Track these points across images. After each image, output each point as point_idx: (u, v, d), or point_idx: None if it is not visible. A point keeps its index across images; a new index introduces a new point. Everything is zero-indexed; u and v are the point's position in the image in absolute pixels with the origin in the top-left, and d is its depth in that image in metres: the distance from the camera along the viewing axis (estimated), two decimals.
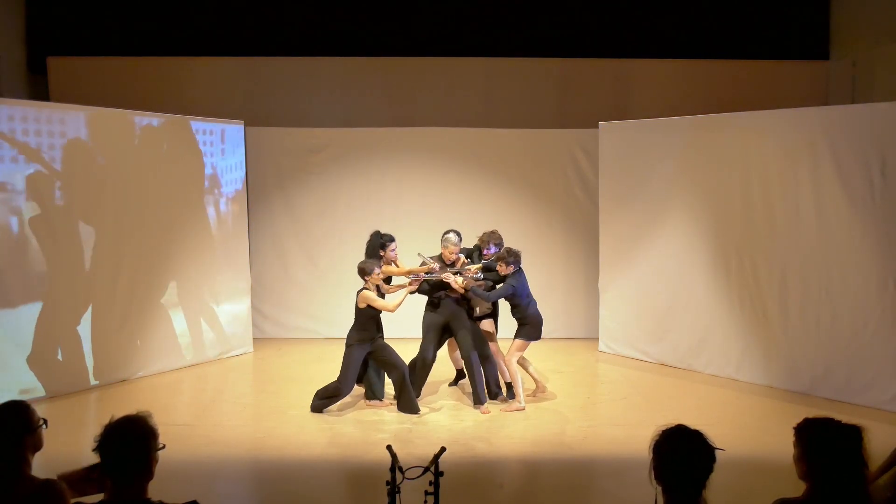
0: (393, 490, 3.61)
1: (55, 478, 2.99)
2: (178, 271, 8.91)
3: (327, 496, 5.57)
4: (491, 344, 7.54)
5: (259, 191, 10.40)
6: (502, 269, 7.16)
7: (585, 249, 10.33)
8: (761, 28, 10.52)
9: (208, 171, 9.23)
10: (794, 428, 2.93)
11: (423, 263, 7.38)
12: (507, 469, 6.04)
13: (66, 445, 4.79)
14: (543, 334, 7.46)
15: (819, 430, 2.86)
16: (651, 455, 2.71)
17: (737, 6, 10.52)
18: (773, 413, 7.20)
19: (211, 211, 9.28)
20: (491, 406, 7.36)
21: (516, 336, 7.28)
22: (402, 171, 10.51)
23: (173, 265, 8.85)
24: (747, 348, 8.28)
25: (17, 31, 10.27)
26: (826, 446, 2.81)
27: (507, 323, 7.87)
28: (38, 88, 10.23)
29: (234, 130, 9.59)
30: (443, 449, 3.84)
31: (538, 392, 7.69)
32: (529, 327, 7.23)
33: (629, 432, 6.66)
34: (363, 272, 7.09)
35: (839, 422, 2.88)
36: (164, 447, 2.82)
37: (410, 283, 7.31)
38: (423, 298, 7.54)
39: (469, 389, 7.59)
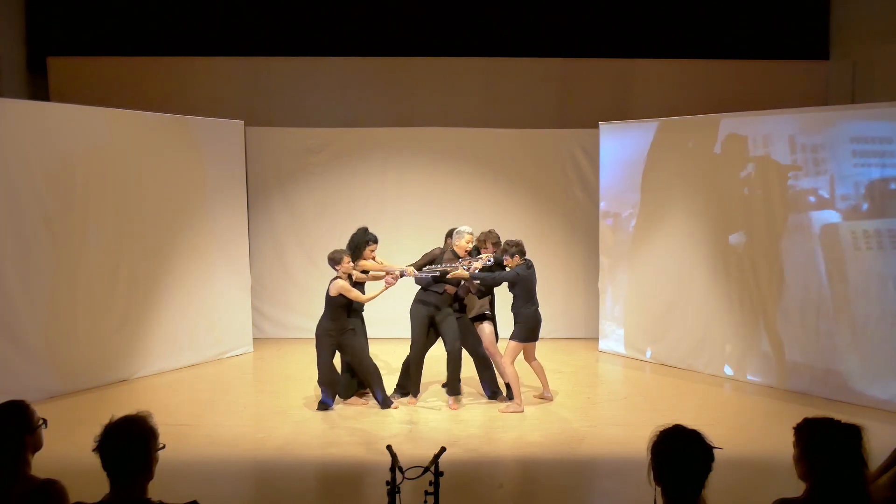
0: (393, 490, 3.60)
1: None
2: (178, 271, 8.91)
3: (327, 496, 5.57)
4: (490, 347, 7.54)
5: (259, 191, 10.40)
6: (508, 262, 7.16)
7: (585, 249, 10.33)
8: (761, 28, 10.52)
9: (208, 170, 9.22)
10: (794, 428, 2.93)
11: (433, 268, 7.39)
12: (507, 469, 6.04)
13: (66, 445, 4.79)
14: (543, 334, 7.46)
15: (819, 430, 2.86)
16: (649, 455, 2.71)
17: (737, 6, 10.52)
18: (773, 413, 7.20)
19: (211, 211, 9.27)
20: (491, 406, 7.36)
21: (510, 337, 7.27)
22: (402, 171, 10.52)
23: (173, 265, 8.84)
24: (747, 348, 8.28)
25: (17, 31, 10.27)
26: (826, 446, 2.80)
27: (505, 325, 7.87)
28: (38, 88, 10.23)
29: (234, 130, 9.59)
30: (443, 449, 3.84)
31: (542, 397, 7.62)
32: (521, 326, 7.18)
33: (629, 432, 6.66)
34: (333, 261, 7.15)
35: (839, 422, 2.87)
36: (164, 447, 2.82)
37: (387, 283, 7.30)
38: (409, 301, 7.55)
39: (468, 389, 7.60)
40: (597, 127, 9.77)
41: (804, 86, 10.32)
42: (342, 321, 7.17)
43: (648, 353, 9.24)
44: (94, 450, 2.72)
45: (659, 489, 2.69)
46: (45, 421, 3.09)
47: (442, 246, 7.68)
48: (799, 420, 2.94)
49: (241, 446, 6.46)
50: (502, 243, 7.35)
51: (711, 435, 2.74)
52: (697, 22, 10.57)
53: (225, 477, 5.88)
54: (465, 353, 7.53)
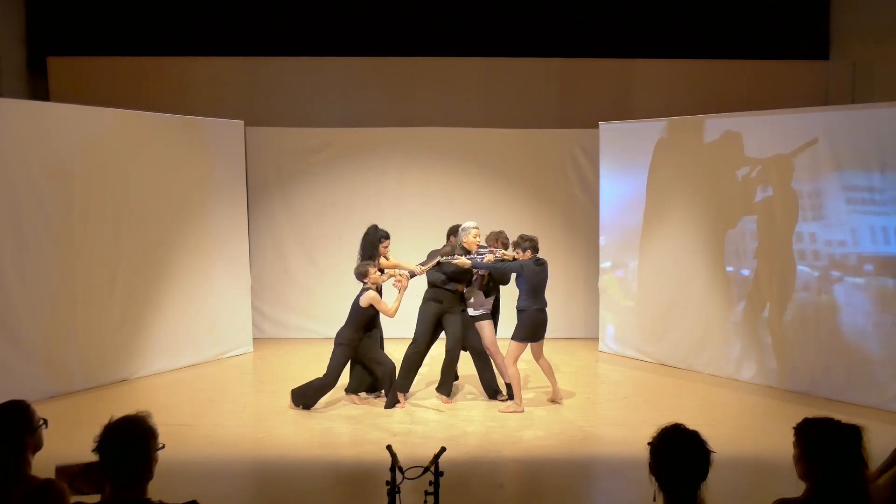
0: (393, 490, 3.60)
1: (55, 472, 2.98)
2: (178, 271, 8.91)
3: (327, 496, 5.57)
4: (490, 345, 7.54)
5: (259, 191, 10.40)
6: (520, 256, 7.14)
7: (585, 249, 10.33)
8: (761, 28, 10.52)
9: (208, 170, 9.22)
10: (794, 428, 2.93)
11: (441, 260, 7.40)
12: (507, 469, 6.04)
13: (66, 445, 4.78)
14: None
15: (818, 430, 2.86)
16: (649, 455, 2.71)
17: (737, 6, 10.52)
18: (773, 413, 7.20)
19: (211, 211, 9.26)
20: (490, 406, 7.37)
21: (511, 336, 7.24)
22: (402, 171, 10.52)
23: (173, 265, 8.84)
24: (747, 348, 8.27)
25: (17, 31, 10.27)
26: (825, 446, 2.81)
27: (506, 324, 7.88)
28: (38, 88, 10.23)
29: (234, 130, 9.59)
30: (443, 449, 3.84)
31: (552, 399, 7.54)
32: (521, 325, 7.14)
33: (629, 432, 6.65)
34: (361, 275, 7.20)
35: (839, 422, 2.88)
36: (164, 447, 2.82)
37: (397, 286, 7.31)
38: (418, 299, 7.54)
39: (468, 388, 7.59)
40: (597, 127, 9.77)
41: (804, 86, 10.32)
42: (361, 332, 7.24)
43: (648, 354, 9.24)
44: (94, 450, 2.72)
45: (657, 488, 2.69)
46: (45, 421, 3.09)
47: (440, 248, 7.65)
48: (799, 420, 2.94)
49: (241, 446, 6.46)
50: (519, 240, 7.26)
51: (711, 435, 2.75)
52: (697, 22, 10.57)
53: (225, 477, 5.88)
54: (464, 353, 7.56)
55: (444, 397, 7.44)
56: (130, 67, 10.43)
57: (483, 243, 7.55)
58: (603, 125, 9.69)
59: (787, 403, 7.43)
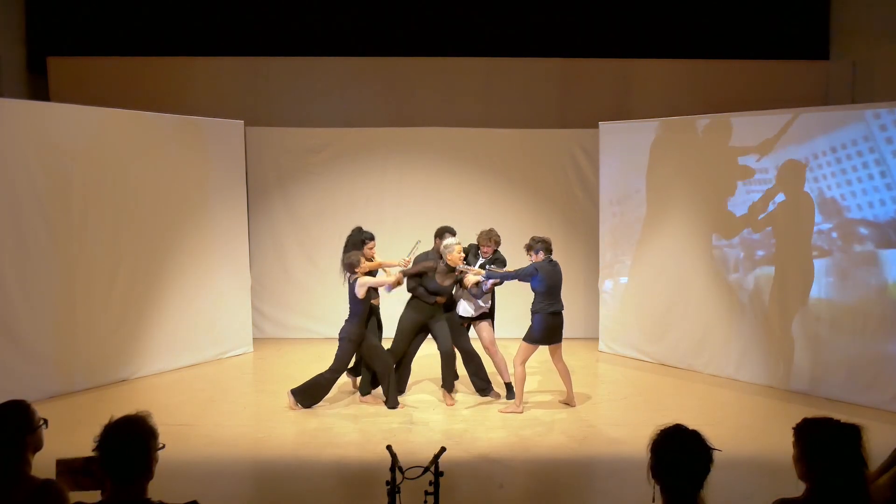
0: (393, 490, 3.61)
1: (55, 465, 2.98)
2: (178, 271, 8.91)
3: (327, 496, 5.57)
4: (489, 345, 7.54)
5: (259, 191, 10.40)
6: (532, 258, 7.12)
7: (585, 249, 10.32)
8: (761, 28, 10.52)
9: (208, 170, 9.22)
10: (794, 428, 2.93)
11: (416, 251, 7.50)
12: (507, 469, 6.04)
13: (66, 445, 4.78)
14: None
15: (818, 430, 2.85)
16: (649, 455, 2.70)
17: (737, 6, 10.53)
18: (773, 413, 7.20)
19: (211, 211, 9.27)
20: (490, 406, 7.37)
21: (523, 338, 7.20)
22: (402, 171, 10.51)
23: (173, 265, 8.84)
24: (747, 348, 8.28)
25: (17, 31, 10.27)
26: (825, 446, 2.80)
27: (505, 323, 7.89)
28: (38, 88, 10.23)
29: (234, 130, 9.59)
30: (443, 449, 3.84)
31: (565, 402, 7.47)
32: (532, 328, 7.12)
33: (629, 432, 6.66)
34: (352, 266, 7.18)
35: (838, 421, 2.87)
36: (164, 447, 2.82)
37: (398, 273, 7.37)
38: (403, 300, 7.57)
39: (462, 388, 7.59)
40: (597, 127, 9.77)
41: (804, 86, 10.32)
42: (364, 326, 7.27)
43: (648, 354, 9.24)
44: (94, 450, 2.72)
45: (658, 489, 2.68)
46: (45, 421, 3.09)
47: (427, 251, 7.64)
48: (799, 420, 2.94)
49: (241, 446, 6.46)
50: (531, 242, 7.23)
51: (711, 435, 2.75)
52: (697, 22, 10.57)
53: (225, 477, 5.88)
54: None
55: (447, 396, 7.43)
56: (130, 67, 10.43)
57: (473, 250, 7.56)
58: (603, 125, 9.69)
59: (787, 403, 7.43)
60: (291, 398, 7.29)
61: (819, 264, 7.58)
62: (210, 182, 9.24)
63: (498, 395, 7.60)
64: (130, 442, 2.72)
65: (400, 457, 3.78)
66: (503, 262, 7.62)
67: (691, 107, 9.68)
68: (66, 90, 10.11)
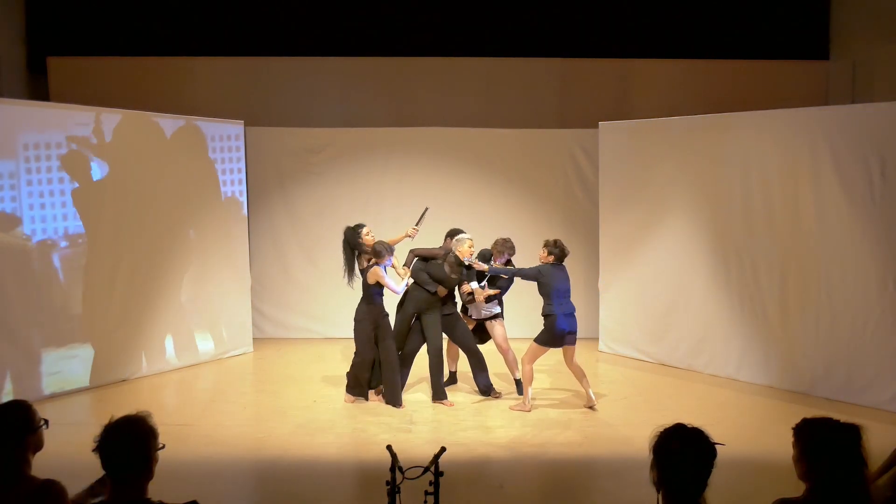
0: (393, 490, 3.61)
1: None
2: (178, 271, 8.91)
3: (327, 496, 5.57)
4: (502, 342, 7.60)
5: (259, 191, 10.39)
6: (542, 256, 7.12)
7: (585, 249, 10.31)
8: (761, 28, 10.52)
9: (208, 170, 9.22)
10: (794, 428, 2.93)
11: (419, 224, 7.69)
12: (507, 469, 6.04)
13: (66, 445, 4.79)
14: None
15: (818, 430, 2.85)
16: (651, 455, 2.69)
17: (737, 6, 10.53)
18: (773, 413, 7.20)
19: (211, 211, 9.26)
20: (490, 406, 7.37)
21: (534, 338, 7.21)
22: (402, 171, 10.51)
23: (173, 265, 8.84)
24: (747, 348, 8.28)
25: (17, 31, 10.27)
26: (825, 446, 2.80)
27: (512, 323, 7.89)
28: (38, 88, 10.23)
29: (234, 130, 9.59)
30: (443, 449, 3.84)
31: (587, 405, 7.37)
32: (544, 330, 7.11)
33: (629, 432, 6.66)
34: (378, 254, 7.25)
35: (838, 421, 2.87)
36: (164, 447, 2.82)
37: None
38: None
39: (464, 386, 7.59)
40: (597, 127, 9.77)
41: (804, 86, 10.32)
42: (379, 306, 7.36)
43: (648, 354, 9.24)
44: (94, 450, 2.72)
45: (660, 489, 2.67)
46: (46, 421, 3.09)
47: (440, 246, 7.71)
48: (799, 420, 2.94)
49: (241, 446, 6.46)
50: (548, 242, 7.25)
51: (711, 435, 2.74)
52: (697, 22, 10.57)
53: (225, 477, 5.88)
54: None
55: (445, 401, 7.44)
56: (130, 67, 10.43)
57: (482, 251, 7.66)
58: (603, 125, 9.69)
59: (787, 403, 7.43)
60: (348, 396, 7.51)
61: (819, 264, 7.57)
62: (210, 182, 9.24)
63: (499, 395, 7.61)
64: (130, 442, 2.72)
65: (400, 457, 3.78)
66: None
67: (691, 107, 9.68)
68: (66, 90, 10.11)
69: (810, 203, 7.61)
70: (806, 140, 7.63)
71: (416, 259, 7.52)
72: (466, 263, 7.35)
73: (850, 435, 2.82)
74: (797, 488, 2.90)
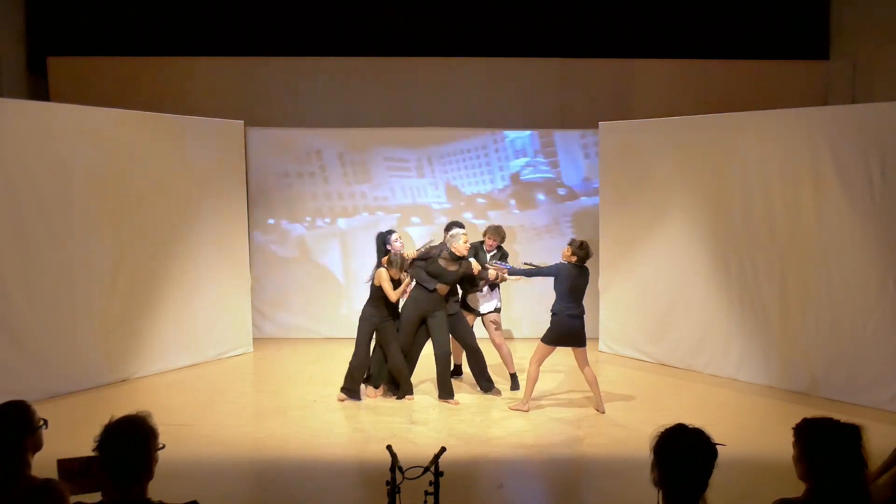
0: (393, 490, 3.61)
1: (56, 465, 2.98)
2: (178, 271, 8.91)
3: (327, 496, 5.57)
4: (496, 334, 7.72)
5: (259, 191, 10.39)
6: (565, 254, 7.09)
7: None
8: (761, 28, 10.52)
9: (208, 171, 9.22)
10: (794, 428, 2.92)
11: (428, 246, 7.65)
12: (507, 469, 6.04)
13: (66, 445, 4.79)
14: None
15: (818, 430, 2.85)
16: (651, 455, 2.69)
17: (737, 6, 10.52)
18: (773, 413, 7.20)
19: (211, 211, 9.26)
20: (490, 406, 7.37)
21: (541, 338, 7.18)
22: (402, 171, 10.51)
23: (173, 265, 8.84)
24: (747, 348, 8.27)
25: (17, 31, 10.27)
26: (825, 446, 2.80)
27: (511, 323, 7.88)
28: (38, 88, 10.24)
29: (234, 130, 9.59)
30: (443, 449, 3.84)
31: (596, 409, 7.33)
32: (549, 329, 7.09)
33: (629, 432, 6.66)
34: (390, 262, 7.33)
35: (838, 421, 2.87)
36: (164, 447, 2.82)
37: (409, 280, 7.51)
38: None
39: (465, 385, 7.59)
40: (597, 127, 9.77)
41: (804, 86, 10.32)
42: (382, 308, 7.42)
43: (648, 354, 9.24)
44: (94, 450, 2.72)
45: (661, 489, 2.67)
46: (45, 421, 3.09)
47: (436, 244, 7.71)
48: (799, 420, 2.94)
49: (241, 446, 6.46)
50: (573, 242, 7.24)
51: (712, 435, 2.74)
52: (697, 22, 10.56)
53: (225, 477, 5.88)
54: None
55: (451, 400, 7.44)
56: (130, 67, 10.43)
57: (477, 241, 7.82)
58: (603, 125, 9.69)
59: (787, 403, 7.43)
60: (340, 395, 7.55)
61: (819, 264, 7.57)
62: (210, 182, 9.24)
63: (499, 393, 7.62)
64: (130, 442, 2.72)
65: (400, 457, 3.78)
66: (505, 256, 7.95)
67: (691, 107, 9.68)
68: (66, 90, 10.12)
69: (810, 203, 7.61)
70: (806, 140, 7.62)
71: (413, 261, 7.51)
72: (492, 280, 7.57)
73: (850, 435, 2.81)
74: (797, 488, 2.90)
